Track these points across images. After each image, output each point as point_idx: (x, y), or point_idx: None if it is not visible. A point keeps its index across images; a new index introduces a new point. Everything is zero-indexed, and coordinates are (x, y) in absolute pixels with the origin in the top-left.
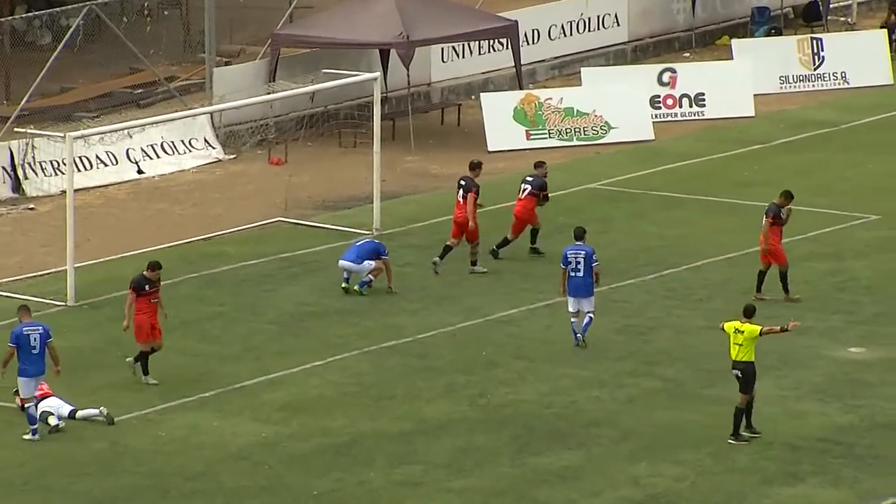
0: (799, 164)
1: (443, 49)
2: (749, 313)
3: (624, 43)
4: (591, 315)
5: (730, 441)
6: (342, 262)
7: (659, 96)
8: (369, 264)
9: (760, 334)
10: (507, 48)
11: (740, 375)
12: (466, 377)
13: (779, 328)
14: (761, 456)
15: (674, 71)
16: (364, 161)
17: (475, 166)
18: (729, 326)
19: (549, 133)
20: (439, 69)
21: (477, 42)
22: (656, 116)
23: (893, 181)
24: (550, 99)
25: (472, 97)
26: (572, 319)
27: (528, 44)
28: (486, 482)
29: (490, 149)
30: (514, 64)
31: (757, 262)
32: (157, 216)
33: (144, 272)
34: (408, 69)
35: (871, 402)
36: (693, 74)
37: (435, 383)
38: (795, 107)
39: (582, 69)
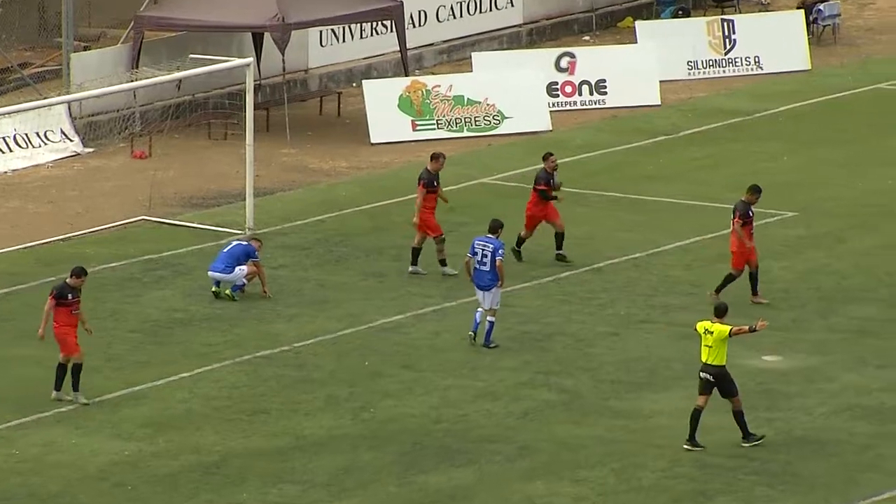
0: (708, 157)
1: (321, 32)
2: (720, 313)
3: (518, 25)
4: (492, 320)
5: (743, 444)
6: (211, 274)
7: (557, 83)
8: (241, 270)
9: (730, 335)
10: (392, 31)
11: (711, 380)
12: (349, 389)
13: (748, 328)
14: (668, 474)
15: (573, 56)
16: (236, 154)
17: (434, 157)
18: (700, 327)
19: (438, 123)
20: (318, 54)
21: (358, 25)
22: (554, 105)
23: (812, 175)
24: (439, 86)
25: (354, 85)
26: (478, 310)
27: (414, 26)
28: (370, 503)
29: (373, 141)
30: (398, 48)
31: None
32: (10, 215)
33: (67, 279)
34: (283, 54)
35: (788, 414)
36: (593, 60)
37: (314, 396)
38: (705, 94)
39: (473, 54)
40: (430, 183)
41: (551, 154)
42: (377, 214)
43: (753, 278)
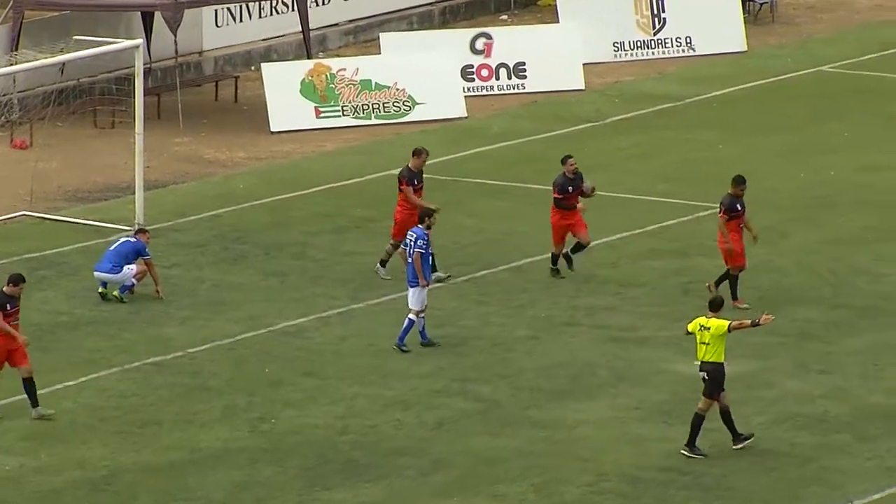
0: (636, 146)
1: (217, 11)
2: (715, 307)
3: (431, 4)
4: (411, 318)
5: (682, 452)
6: (97, 274)
7: (472, 66)
8: (131, 269)
9: (729, 330)
10: (293, 10)
11: (706, 378)
12: (247, 398)
13: (749, 322)
14: (594, 489)
15: (489, 37)
16: (124, 144)
17: (416, 153)
18: (693, 325)
19: (343, 110)
20: (213, 35)
21: (257, 3)
22: (469, 90)
23: (749, 165)
24: (344, 70)
25: (252, 68)
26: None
27: (317, 5)
28: None
29: (273, 129)
30: (300, 29)
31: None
32: None
33: (4, 288)
34: (175, 35)
35: (723, 424)
36: (512, 41)
37: (210, 406)
38: (632, 78)
39: (381, 35)
40: (411, 181)
41: (570, 157)
42: (278, 209)
43: (728, 277)
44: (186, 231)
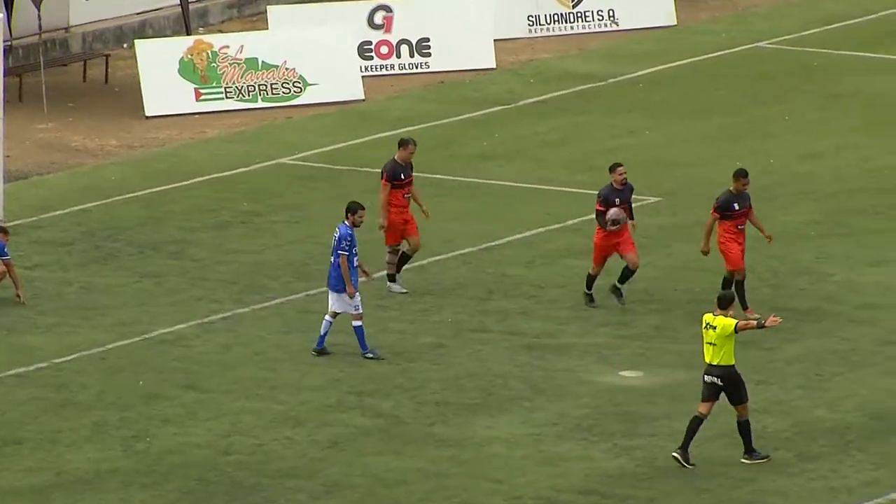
0: (554, 131)
1: None
2: (724, 303)
3: None
4: (356, 324)
5: (743, 460)
6: None
7: (370, 43)
8: None
9: (736, 331)
10: None
11: (719, 383)
12: (120, 414)
13: (755, 323)
14: None
15: (389, 10)
16: None
17: (402, 144)
18: (703, 324)
19: (226, 92)
20: (80, 9)
21: None
22: (367, 69)
23: (678, 152)
24: (227, 48)
25: (125, 45)
26: (326, 317)
27: None
28: None
29: (148, 113)
30: (179, 1)
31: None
32: None
33: None
34: (39, 9)
35: (650, 441)
36: (414, 14)
37: (78, 423)
38: (549, 56)
39: (268, 8)
40: (394, 175)
41: (620, 165)
42: (153, 202)
43: (727, 283)
44: (51, 228)
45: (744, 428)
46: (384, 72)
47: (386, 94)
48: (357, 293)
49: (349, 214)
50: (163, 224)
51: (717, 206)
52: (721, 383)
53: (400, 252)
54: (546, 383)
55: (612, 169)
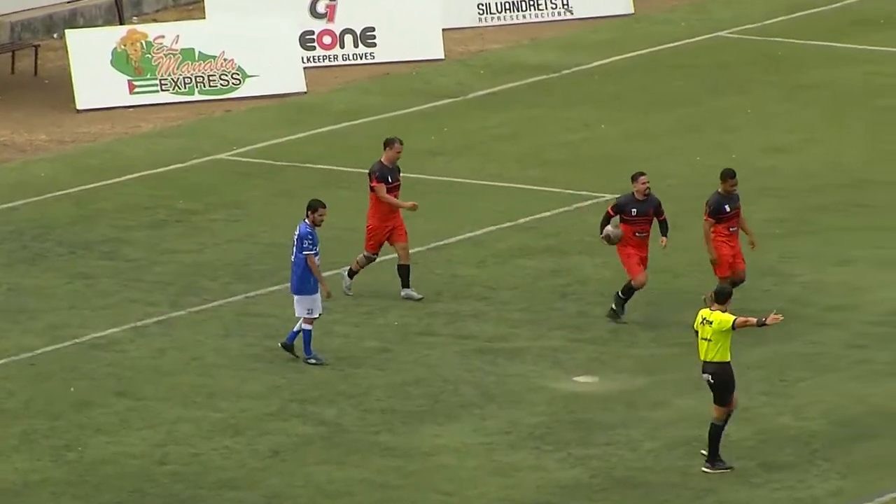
0: (505, 125)
1: None
2: (721, 297)
3: None
4: (306, 327)
5: (704, 469)
6: None
7: (312, 33)
8: None
9: (733, 327)
10: None
11: (711, 381)
12: (50, 423)
13: (755, 321)
14: None
15: None
16: None
17: (388, 144)
18: (697, 319)
19: (162, 84)
20: None
21: None
22: (309, 60)
23: (634, 147)
24: (163, 38)
25: (55, 35)
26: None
27: None
28: None
29: (80, 107)
30: None
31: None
32: None
33: None
34: None
35: (607, 450)
36: (359, 3)
37: (6, 432)
38: (500, 46)
39: None
40: (384, 178)
41: (642, 174)
42: (85, 200)
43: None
44: None
45: (715, 433)
46: (327, 63)
47: (329, 86)
48: (318, 295)
49: (309, 212)
50: (95, 223)
51: (710, 210)
52: (712, 380)
53: (371, 260)
54: (498, 389)
55: (634, 178)
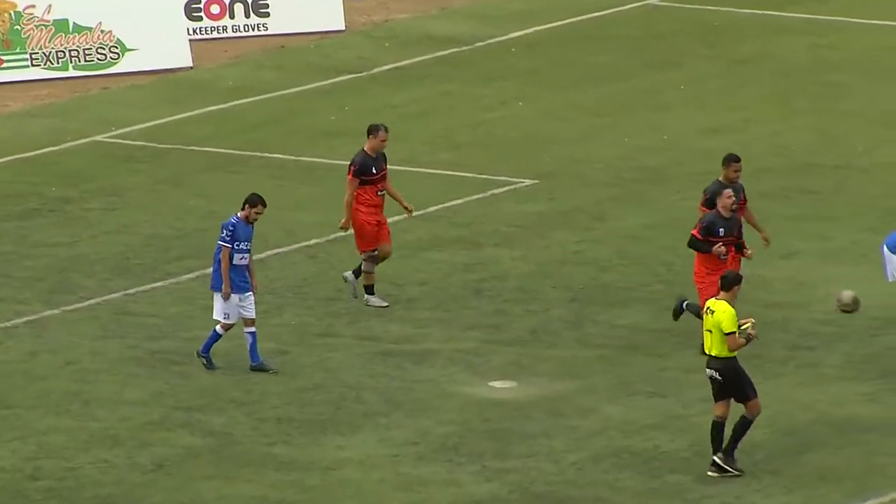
0: (413, 103)
1: None
2: (726, 284)
3: None
4: (251, 331)
5: (710, 473)
6: None
7: (199, 2)
8: None
9: (727, 333)
10: None
11: (717, 377)
12: None
13: (744, 342)
14: None
15: None
16: None
17: (372, 131)
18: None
19: (32, 59)
20: None
21: None
22: (196, 32)
23: (556, 127)
24: (33, 7)
25: None
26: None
27: None
28: None
29: None
30: None
31: None
32: None
33: None
34: None
35: (527, 463)
36: None
37: None
38: (406, 16)
39: None
40: (365, 169)
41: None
42: None
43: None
44: None
45: (742, 427)
46: (215, 35)
47: (218, 61)
48: (248, 295)
49: (245, 206)
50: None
51: (707, 199)
52: (720, 377)
53: (375, 259)
54: (405, 396)
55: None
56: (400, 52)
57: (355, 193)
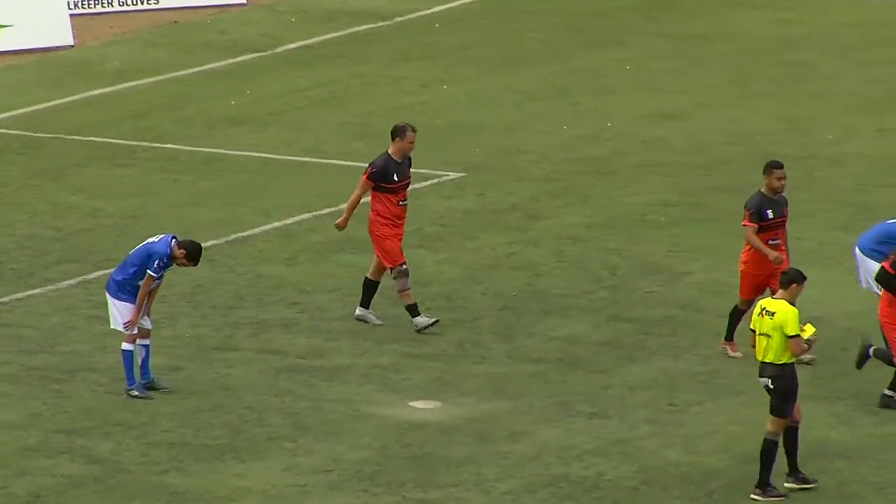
0: (322, 86)
1: None
2: (786, 281)
3: None
4: (125, 347)
5: (753, 497)
6: None
7: None
8: None
9: (792, 335)
10: None
11: (770, 387)
12: None
13: (808, 347)
14: None
15: None
16: None
17: (397, 133)
18: (756, 311)
19: None
20: None
21: None
22: (77, 6)
23: (485, 114)
24: None
25: None
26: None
27: None
28: None
29: None
30: None
31: None
32: None
33: None
34: None
35: (451, 492)
36: None
37: None
38: None
39: None
40: (385, 175)
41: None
42: None
43: (736, 313)
44: None
45: (768, 451)
46: (99, 9)
47: (102, 38)
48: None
49: (175, 246)
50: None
51: (753, 212)
52: (771, 386)
53: (405, 273)
54: (314, 418)
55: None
56: (308, 29)
57: (372, 202)
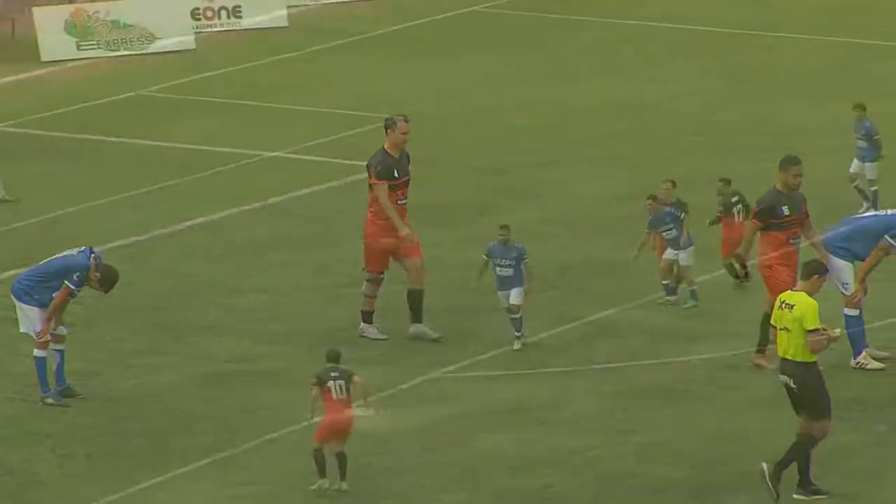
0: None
1: None
2: (808, 272)
3: None
4: (37, 354)
5: (795, 496)
6: None
7: None
8: None
9: (811, 330)
10: None
11: (792, 386)
12: None
13: (825, 339)
14: None
15: None
16: None
17: (389, 125)
18: (777, 301)
19: None
20: None
21: None
22: None
23: (431, 104)
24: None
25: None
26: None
27: None
28: None
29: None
30: None
31: None
32: None
33: None
34: None
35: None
36: None
37: None
38: None
39: None
40: (387, 173)
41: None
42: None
43: (767, 321)
44: None
45: (798, 448)
46: None
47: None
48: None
49: (94, 268)
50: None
51: (762, 209)
52: (793, 385)
53: (378, 282)
54: (245, 427)
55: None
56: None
57: (370, 200)
